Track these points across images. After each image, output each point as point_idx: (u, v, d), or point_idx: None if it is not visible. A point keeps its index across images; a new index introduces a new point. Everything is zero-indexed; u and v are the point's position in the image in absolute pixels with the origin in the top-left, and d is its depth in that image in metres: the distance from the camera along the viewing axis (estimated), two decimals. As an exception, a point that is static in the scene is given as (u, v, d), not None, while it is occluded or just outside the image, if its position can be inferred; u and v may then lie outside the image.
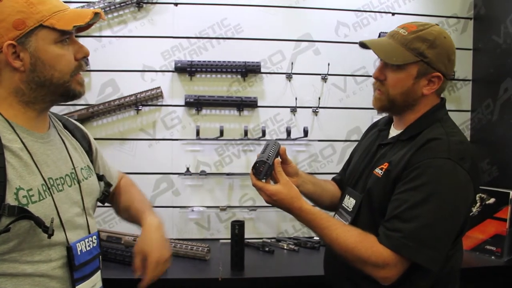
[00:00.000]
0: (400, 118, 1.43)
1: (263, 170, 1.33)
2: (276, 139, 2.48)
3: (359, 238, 1.25)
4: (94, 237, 1.19)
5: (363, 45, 1.40)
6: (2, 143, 0.98)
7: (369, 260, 1.22)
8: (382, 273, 1.21)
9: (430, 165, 1.22)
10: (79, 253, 1.10)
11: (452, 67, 1.37)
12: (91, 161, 1.33)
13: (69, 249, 1.08)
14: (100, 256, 1.23)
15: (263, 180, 1.35)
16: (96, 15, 1.08)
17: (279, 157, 1.43)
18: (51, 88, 1.07)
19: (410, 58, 1.30)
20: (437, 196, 1.20)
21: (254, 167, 1.35)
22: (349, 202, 1.47)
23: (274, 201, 1.34)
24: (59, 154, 1.15)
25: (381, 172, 1.34)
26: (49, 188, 1.05)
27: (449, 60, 1.34)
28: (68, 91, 1.11)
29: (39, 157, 1.06)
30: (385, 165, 1.34)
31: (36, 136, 1.09)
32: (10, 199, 0.95)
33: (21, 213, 0.95)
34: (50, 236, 1.00)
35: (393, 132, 1.47)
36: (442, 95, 1.44)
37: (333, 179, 1.77)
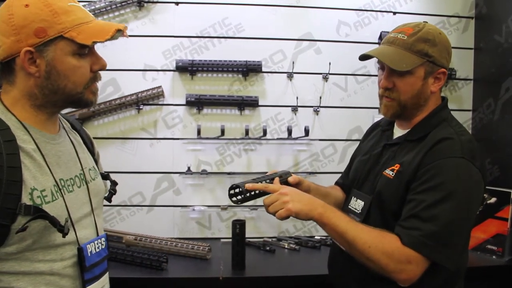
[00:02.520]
0: (407, 119, 1.42)
1: (240, 196, 1.31)
2: (277, 138, 2.49)
3: (382, 234, 1.24)
4: (103, 239, 1.21)
5: (365, 57, 1.40)
6: (17, 144, 1.00)
7: (393, 255, 1.19)
8: (404, 273, 1.19)
9: (445, 165, 1.23)
10: (89, 254, 1.12)
11: (450, 60, 1.39)
12: (95, 161, 1.34)
13: (80, 250, 1.09)
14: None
15: (238, 202, 1.33)
16: (119, 31, 1.08)
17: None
18: (63, 96, 1.08)
19: (417, 61, 1.31)
20: (454, 196, 1.20)
21: (230, 187, 1.32)
22: (357, 204, 1.45)
23: (294, 191, 1.31)
24: (69, 155, 1.16)
25: (393, 174, 1.34)
26: (60, 189, 1.07)
27: (449, 54, 1.37)
28: (80, 101, 1.12)
29: (51, 158, 1.08)
30: (396, 167, 1.34)
31: (48, 137, 1.10)
32: (25, 199, 0.97)
33: (37, 212, 0.97)
34: (65, 235, 1.01)
35: (398, 132, 1.46)
36: (443, 94, 1.44)
37: (336, 183, 1.77)
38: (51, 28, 1.01)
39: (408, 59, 1.31)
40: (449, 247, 1.20)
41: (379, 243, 1.21)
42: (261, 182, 1.34)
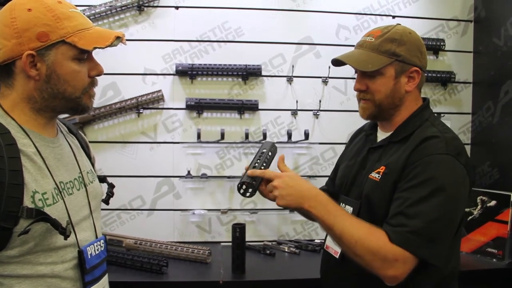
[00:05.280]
0: (387, 121, 1.43)
1: (250, 191, 1.34)
2: (277, 142, 2.48)
3: (371, 230, 1.22)
4: (102, 241, 1.21)
5: (336, 62, 1.42)
6: (18, 147, 1.00)
7: (379, 253, 1.18)
8: (390, 271, 1.18)
9: (430, 161, 1.23)
10: (89, 256, 1.13)
11: (425, 58, 1.39)
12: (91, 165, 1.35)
13: (80, 253, 1.10)
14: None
15: (253, 194, 1.35)
16: (118, 38, 1.10)
17: (283, 155, 1.41)
18: (62, 101, 1.09)
19: (384, 61, 1.33)
20: (440, 192, 1.20)
21: (240, 185, 1.35)
22: (346, 210, 1.44)
23: (287, 182, 1.29)
24: (67, 158, 1.17)
25: (379, 176, 1.34)
26: (60, 192, 1.08)
27: (421, 52, 1.37)
28: (78, 106, 1.13)
29: (50, 161, 1.09)
30: (381, 169, 1.34)
31: (47, 140, 1.11)
32: (27, 202, 0.98)
33: (39, 215, 0.98)
34: (66, 237, 1.02)
35: (381, 135, 1.47)
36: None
37: (320, 189, 1.74)
38: (53, 33, 1.03)
39: (374, 60, 1.33)
40: (436, 243, 1.19)
41: (366, 239, 1.20)
42: (261, 167, 1.38)
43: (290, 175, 1.32)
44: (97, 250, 1.17)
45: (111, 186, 1.39)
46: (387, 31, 1.35)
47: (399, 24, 1.40)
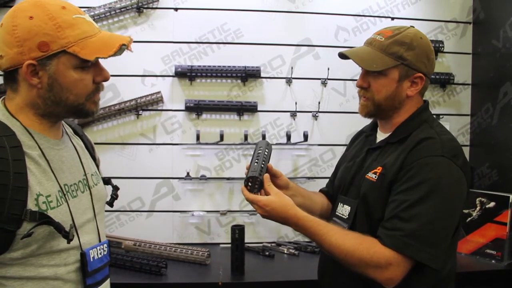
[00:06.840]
0: (386, 121, 1.43)
1: (258, 186, 1.35)
2: (276, 143, 2.49)
3: (359, 240, 1.24)
4: (105, 245, 1.21)
5: (343, 56, 1.41)
6: (23, 149, 1.00)
7: (371, 261, 1.20)
8: (386, 274, 1.19)
9: (426, 164, 1.23)
10: (91, 260, 1.12)
11: (432, 65, 1.38)
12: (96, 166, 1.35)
13: (83, 255, 1.10)
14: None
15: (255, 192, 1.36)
16: (123, 46, 1.07)
17: (267, 174, 1.41)
18: (65, 107, 1.08)
19: (389, 63, 1.32)
20: (435, 194, 1.20)
21: (246, 182, 1.37)
22: (344, 210, 1.45)
23: (268, 212, 1.31)
24: (72, 161, 1.16)
25: (375, 176, 1.34)
26: (64, 195, 1.08)
27: (429, 59, 1.36)
28: (81, 111, 1.11)
29: (55, 164, 1.08)
30: (378, 169, 1.34)
31: (52, 142, 1.10)
32: (31, 205, 0.98)
33: (42, 218, 0.97)
34: (69, 241, 1.02)
35: (380, 136, 1.47)
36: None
37: (321, 190, 1.75)
38: (54, 43, 1.01)
39: (380, 60, 1.32)
40: (433, 246, 1.20)
41: (355, 251, 1.22)
42: (262, 164, 1.41)
43: (270, 204, 1.32)
44: (100, 254, 1.17)
45: (115, 189, 1.39)
46: (398, 33, 1.34)
47: (412, 27, 1.38)
